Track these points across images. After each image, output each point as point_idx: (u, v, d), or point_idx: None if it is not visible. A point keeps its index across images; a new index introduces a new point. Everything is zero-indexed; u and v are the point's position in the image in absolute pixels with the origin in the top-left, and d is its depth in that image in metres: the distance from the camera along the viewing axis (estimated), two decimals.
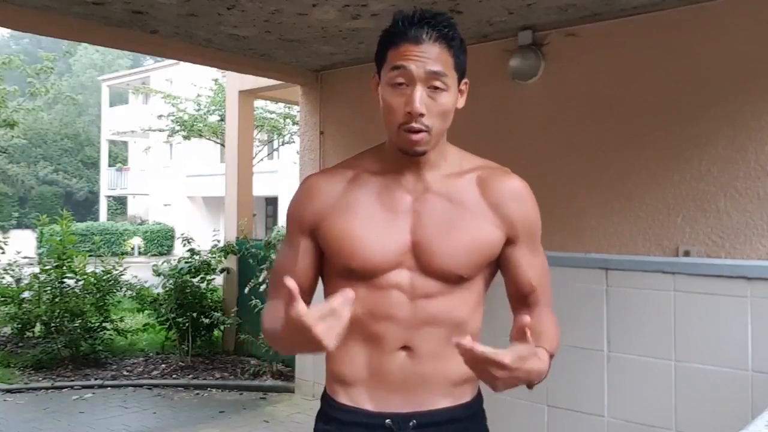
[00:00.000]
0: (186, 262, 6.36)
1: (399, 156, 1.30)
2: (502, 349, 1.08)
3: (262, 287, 5.58)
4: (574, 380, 3.31)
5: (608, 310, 3.31)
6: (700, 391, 3.00)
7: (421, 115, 1.22)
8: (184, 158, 24.95)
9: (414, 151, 1.27)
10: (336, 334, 1.06)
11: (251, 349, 6.08)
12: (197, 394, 5.45)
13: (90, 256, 7.41)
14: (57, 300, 6.32)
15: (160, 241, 24.97)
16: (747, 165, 2.97)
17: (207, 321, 6.35)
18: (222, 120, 10.87)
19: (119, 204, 32.12)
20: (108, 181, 31.54)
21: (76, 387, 5.63)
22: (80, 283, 6.53)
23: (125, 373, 6.04)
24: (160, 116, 12.89)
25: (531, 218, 1.36)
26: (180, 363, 6.14)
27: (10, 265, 7.15)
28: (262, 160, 13.47)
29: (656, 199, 3.22)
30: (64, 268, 6.48)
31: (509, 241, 1.34)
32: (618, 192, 3.34)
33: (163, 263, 6.74)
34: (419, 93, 1.22)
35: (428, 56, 1.22)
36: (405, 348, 1.30)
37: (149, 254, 22.76)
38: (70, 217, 7.06)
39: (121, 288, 6.68)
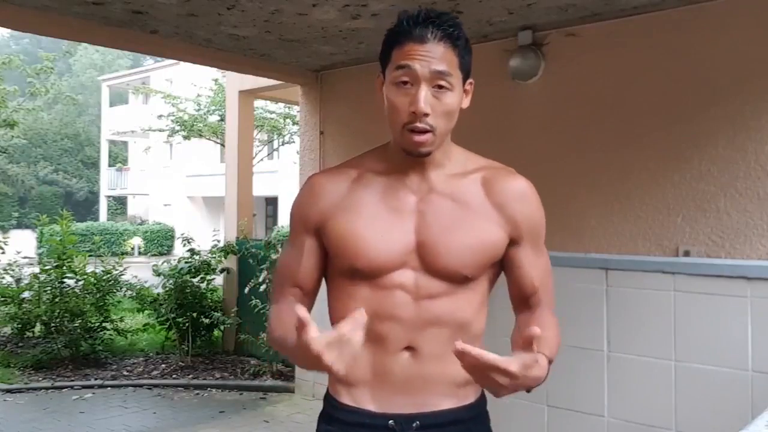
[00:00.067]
0: (186, 262, 6.36)
1: (403, 156, 1.30)
2: (508, 357, 1.08)
3: (262, 287, 5.58)
4: (574, 380, 3.31)
5: (608, 310, 3.31)
6: (700, 391, 3.00)
7: (426, 114, 1.22)
8: (184, 158, 24.95)
9: (418, 151, 1.26)
10: (347, 359, 1.06)
11: (251, 349, 6.08)
12: (197, 394, 5.45)
13: (90, 256, 7.41)
14: (57, 300, 6.32)
15: (160, 241, 24.97)
16: (747, 165, 2.97)
17: (207, 321, 6.36)
18: (222, 120, 10.87)
19: (119, 204, 32.12)
20: (108, 181, 31.54)
21: (76, 387, 5.63)
22: (80, 283, 6.53)
23: (125, 373, 6.04)
24: (160, 116, 12.89)
25: (535, 219, 1.36)
26: (180, 363, 6.14)
27: (10, 265, 7.15)
28: (262, 160, 13.48)
29: (656, 199, 3.22)
30: (64, 268, 6.48)
31: (513, 242, 1.33)
32: (618, 192, 3.34)
33: (163, 263, 6.74)
34: (424, 92, 1.21)
35: (433, 55, 1.22)
36: (408, 348, 1.29)
37: (149, 254, 22.76)
38: (70, 217, 7.05)
39: (121, 288, 6.68)
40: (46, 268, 6.55)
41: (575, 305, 3.32)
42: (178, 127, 12.38)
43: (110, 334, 6.62)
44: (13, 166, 31.00)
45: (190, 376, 5.84)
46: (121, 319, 6.81)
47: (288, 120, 12.46)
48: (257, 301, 5.65)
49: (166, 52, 4.50)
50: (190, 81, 13.71)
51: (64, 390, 5.58)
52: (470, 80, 1.30)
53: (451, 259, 1.28)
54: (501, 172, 1.36)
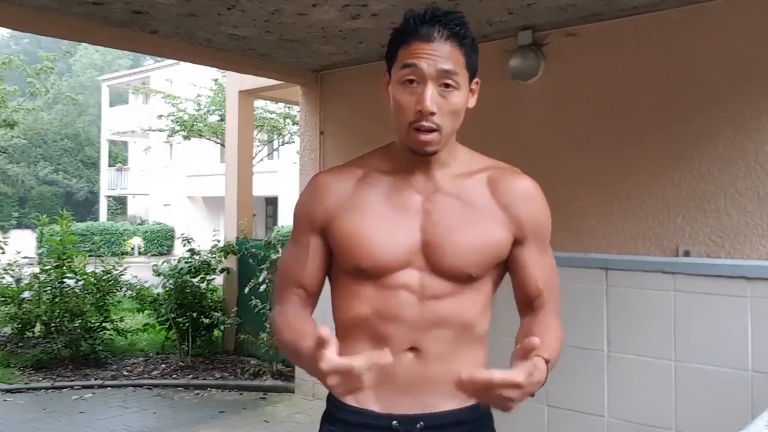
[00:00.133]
0: (186, 262, 6.36)
1: (409, 155, 1.29)
2: (512, 370, 1.07)
3: (262, 287, 5.58)
4: (574, 380, 3.31)
5: (608, 310, 3.31)
6: (700, 391, 3.00)
7: (432, 113, 1.21)
8: (184, 158, 24.95)
9: (424, 150, 1.26)
10: (350, 390, 1.09)
11: (251, 349, 6.08)
12: (197, 394, 5.45)
13: (90, 256, 7.41)
14: (57, 300, 6.32)
15: (160, 241, 24.97)
16: (747, 165, 2.97)
17: (207, 321, 6.35)
18: (222, 120, 10.87)
19: (119, 204, 32.12)
20: (108, 181, 31.54)
21: (76, 387, 5.63)
22: (80, 283, 6.53)
23: (125, 373, 6.04)
24: (160, 116, 12.90)
25: (540, 219, 1.35)
26: (180, 363, 6.14)
27: (10, 265, 7.15)
28: (262, 160, 13.48)
29: (656, 199, 3.22)
30: (64, 268, 6.47)
31: (517, 242, 1.33)
32: (618, 192, 3.34)
33: (163, 263, 6.74)
34: (430, 91, 1.21)
35: (439, 54, 1.21)
36: (413, 349, 1.28)
37: (149, 254, 22.76)
38: (70, 217, 7.05)
39: (121, 288, 6.68)
40: (46, 268, 6.55)
41: (575, 305, 3.31)
42: (178, 127, 12.39)
43: (110, 334, 6.62)
44: (13, 166, 31.01)
45: (190, 376, 5.84)
46: (121, 319, 6.81)
47: (288, 120, 12.46)
48: (257, 301, 5.65)
49: (166, 52, 4.50)
50: (190, 81, 13.71)
51: (64, 390, 5.58)
52: (476, 79, 1.30)
53: (457, 258, 1.27)
54: (506, 172, 1.36)
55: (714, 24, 3.07)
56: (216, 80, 11.99)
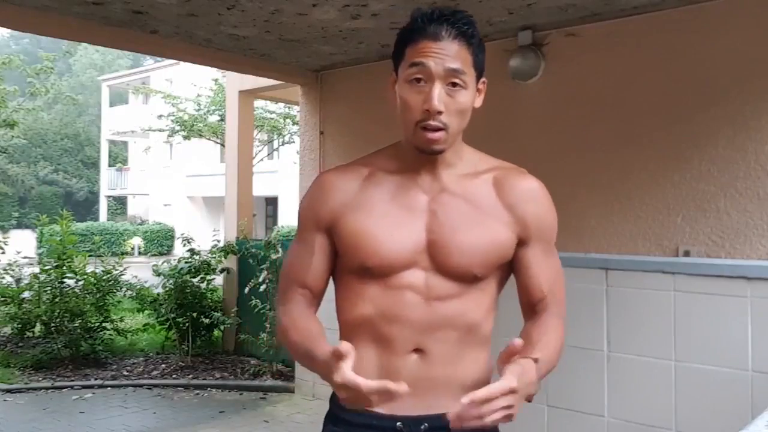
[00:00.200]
0: (186, 262, 6.36)
1: (415, 155, 1.29)
2: (503, 378, 1.07)
3: (262, 287, 5.58)
4: (574, 380, 3.31)
5: (608, 310, 3.31)
6: (700, 391, 3.00)
7: (440, 112, 1.21)
8: (184, 158, 24.96)
9: (431, 149, 1.25)
10: (358, 404, 1.11)
11: (251, 349, 6.08)
12: (197, 394, 5.45)
13: (90, 256, 7.41)
14: (57, 300, 6.32)
15: (160, 241, 24.97)
16: (747, 165, 2.97)
17: (207, 321, 6.35)
18: (222, 120, 10.88)
19: (119, 204, 32.12)
20: (108, 181, 31.54)
21: (76, 387, 5.63)
22: (80, 283, 6.53)
23: (125, 373, 6.03)
24: (160, 116, 12.90)
25: (545, 220, 1.34)
26: (180, 363, 6.14)
27: (10, 265, 7.15)
28: (262, 160, 13.48)
29: (656, 199, 3.22)
30: (64, 268, 6.47)
31: (521, 242, 1.32)
32: (618, 192, 3.34)
33: (163, 263, 6.74)
34: (438, 90, 1.21)
35: (447, 53, 1.21)
36: (417, 351, 1.28)
37: (149, 254, 22.76)
38: (70, 217, 7.05)
39: (121, 288, 6.68)
40: (46, 268, 6.54)
41: (575, 305, 3.29)
42: (178, 127, 12.39)
43: (110, 334, 6.62)
44: (13, 166, 31.02)
45: (190, 376, 5.84)
46: (121, 319, 6.81)
47: (288, 120, 12.46)
48: (257, 301, 5.65)
49: (166, 52, 4.50)
50: (190, 81, 13.71)
51: (64, 390, 5.58)
52: (483, 79, 1.29)
53: (463, 258, 1.26)
54: (513, 172, 1.35)
55: (714, 24, 3.08)
56: (216, 80, 11.99)
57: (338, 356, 1.07)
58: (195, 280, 6.35)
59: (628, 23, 3.31)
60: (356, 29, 3.73)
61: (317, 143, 4.91)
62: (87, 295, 6.43)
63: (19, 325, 6.63)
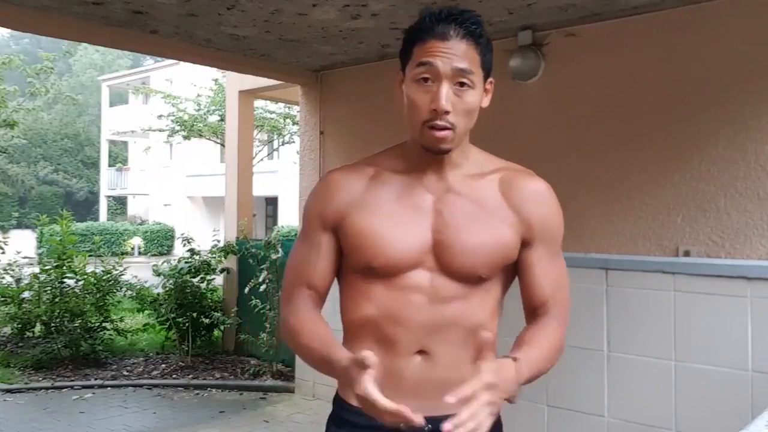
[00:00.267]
0: (186, 262, 6.36)
1: (421, 155, 1.29)
2: (480, 374, 1.06)
3: (262, 287, 5.58)
4: (574, 380, 3.31)
5: (608, 310, 3.31)
6: (700, 391, 3.00)
7: (447, 112, 1.21)
8: (184, 158, 24.96)
9: (438, 148, 1.25)
10: (367, 413, 1.10)
11: (251, 349, 6.08)
12: (197, 394, 5.45)
13: (90, 256, 7.41)
14: (57, 300, 6.32)
15: (160, 241, 24.97)
16: (747, 165, 2.98)
17: (207, 321, 6.35)
18: (222, 120, 10.87)
19: (119, 204, 32.12)
20: (108, 181, 31.54)
21: (76, 387, 5.63)
22: (80, 283, 6.53)
23: (125, 373, 6.03)
24: (160, 116, 12.90)
25: (550, 221, 1.33)
26: (180, 363, 6.14)
27: (10, 265, 7.15)
28: (262, 160, 13.48)
29: (656, 199, 3.22)
30: (64, 268, 6.47)
31: (525, 243, 1.31)
32: (618, 192, 3.34)
33: (163, 263, 6.74)
34: (445, 90, 1.20)
35: (455, 53, 1.21)
36: (421, 353, 1.27)
37: (149, 254, 22.76)
38: (70, 217, 7.05)
39: (121, 288, 6.68)
40: (46, 268, 6.54)
41: (575, 305, 3.29)
42: (178, 127, 12.39)
43: (110, 334, 6.62)
44: (13, 166, 31.02)
45: (190, 376, 5.84)
46: (121, 319, 6.81)
47: (288, 120, 12.46)
48: (257, 301, 5.65)
49: (166, 52, 4.50)
50: (190, 81, 13.72)
51: (64, 390, 5.57)
52: (490, 79, 1.29)
53: (467, 258, 1.26)
54: (520, 173, 1.35)
55: (714, 24, 3.07)
56: (216, 80, 11.99)
57: (361, 366, 1.06)
58: (195, 280, 6.35)
59: (628, 23, 3.31)
60: (356, 29, 3.73)
61: (317, 143, 4.91)
62: (87, 295, 6.43)
63: (19, 325, 6.63)
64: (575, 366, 3.28)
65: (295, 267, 1.38)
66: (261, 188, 13.23)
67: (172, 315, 6.17)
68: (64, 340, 6.16)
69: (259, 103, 10.66)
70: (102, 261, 6.92)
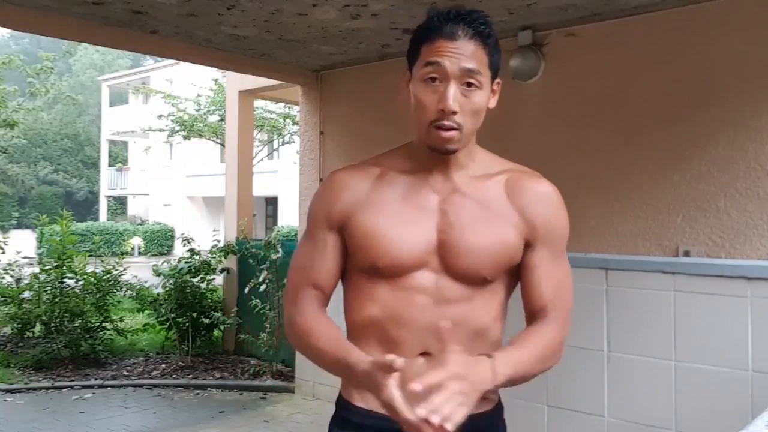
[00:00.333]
0: (186, 262, 6.36)
1: (427, 155, 1.29)
2: (442, 366, 1.05)
3: (262, 287, 5.58)
4: (574, 380, 3.31)
5: (608, 310, 3.31)
6: (700, 391, 3.00)
7: (454, 112, 1.20)
8: (184, 158, 24.96)
9: (445, 148, 1.25)
10: (387, 414, 1.10)
11: (251, 349, 6.08)
12: (197, 394, 5.45)
13: (90, 256, 7.41)
14: (57, 300, 6.32)
15: (160, 241, 24.97)
16: (747, 165, 2.98)
17: (207, 321, 6.35)
18: (222, 120, 10.88)
19: (119, 204, 32.12)
20: (108, 181, 31.54)
21: (76, 387, 5.63)
22: (80, 283, 6.53)
23: (125, 373, 6.03)
24: (160, 116, 12.90)
25: (554, 223, 1.32)
26: (180, 363, 6.14)
27: (10, 265, 7.15)
28: (262, 160, 13.48)
29: (656, 199, 3.22)
30: (64, 268, 6.47)
31: (528, 244, 1.30)
32: (618, 192, 3.34)
33: (163, 263, 6.74)
34: (453, 90, 1.20)
35: (463, 53, 1.20)
36: (424, 354, 1.26)
37: (149, 254, 22.76)
38: (70, 217, 7.05)
39: (121, 288, 6.68)
40: (46, 268, 6.54)
41: (575, 305, 3.31)
42: (178, 127, 12.39)
43: (110, 334, 6.62)
44: (13, 166, 31.01)
45: (190, 376, 5.84)
46: (121, 319, 6.81)
47: (288, 120, 12.46)
48: (257, 301, 5.65)
49: (166, 52, 4.50)
50: (190, 81, 13.71)
51: (64, 390, 5.57)
52: (498, 80, 1.28)
53: (472, 259, 1.26)
54: (526, 175, 1.34)
55: (714, 24, 3.08)
56: (216, 80, 11.99)
57: (387, 369, 1.05)
58: (195, 280, 6.35)
59: (628, 23, 3.31)
60: (356, 29, 3.73)
61: (317, 143, 4.91)
62: (87, 295, 6.43)
63: (19, 325, 6.63)
64: (575, 366, 3.28)
65: (300, 267, 1.37)
66: (261, 188, 13.23)
67: (172, 315, 6.17)
68: (64, 340, 6.17)
69: (259, 103, 10.66)
70: (102, 261, 6.92)
